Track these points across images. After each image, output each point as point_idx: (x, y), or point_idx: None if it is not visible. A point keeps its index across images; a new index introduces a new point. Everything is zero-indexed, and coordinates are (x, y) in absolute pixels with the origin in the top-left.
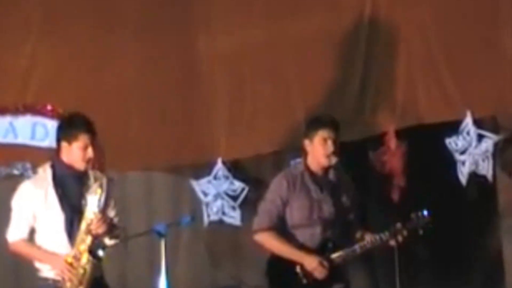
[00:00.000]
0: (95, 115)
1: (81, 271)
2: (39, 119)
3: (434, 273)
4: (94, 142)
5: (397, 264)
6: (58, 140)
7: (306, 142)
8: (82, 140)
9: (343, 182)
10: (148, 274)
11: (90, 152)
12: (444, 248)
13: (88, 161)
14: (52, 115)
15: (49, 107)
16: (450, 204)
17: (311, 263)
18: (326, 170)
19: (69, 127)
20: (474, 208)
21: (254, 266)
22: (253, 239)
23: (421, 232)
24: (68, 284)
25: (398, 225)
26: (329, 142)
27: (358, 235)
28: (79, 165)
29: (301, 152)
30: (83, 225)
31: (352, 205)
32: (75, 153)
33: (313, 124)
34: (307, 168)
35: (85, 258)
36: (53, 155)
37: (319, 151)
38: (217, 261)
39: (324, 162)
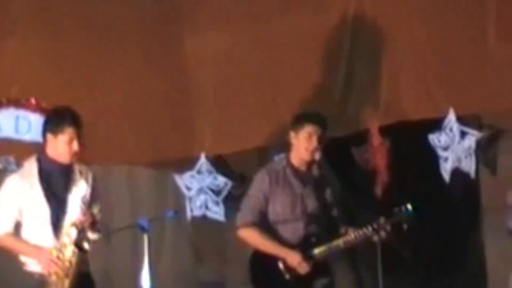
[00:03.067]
0: (79, 109)
1: (67, 264)
2: (22, 113)
3: (416, 268)
4: (80, 135)
5: (379, 259)
6: (44, 133)
7: (292, 135)
8: (67, 133)
9: (327, 177)
10: (131, 268)
11: (75, 145)
12: (426, 244)
13: (73, 155)
14: (35, 108)
15: (32, 101)
16: (433, 200)
17: (294, 259)
18: (309, 165)
19: (55, 120)
20: (457, 204)
21: (238, 261)
22: (237, 235)
23: (405, 226)
24: (54, 277)
25: (382, 219)
26: (314, 138)
27: (341, 230)
28: (64, 158)
29: (285, 148)
30: (68, 218)
31: (335, 200)
32: (61, 146)
33: (301, 118)
34: (289, 163)
35: (70, 251)
36: (39, 148)
37: (303, 145)
38: (200, 256)
39: (307, 157)
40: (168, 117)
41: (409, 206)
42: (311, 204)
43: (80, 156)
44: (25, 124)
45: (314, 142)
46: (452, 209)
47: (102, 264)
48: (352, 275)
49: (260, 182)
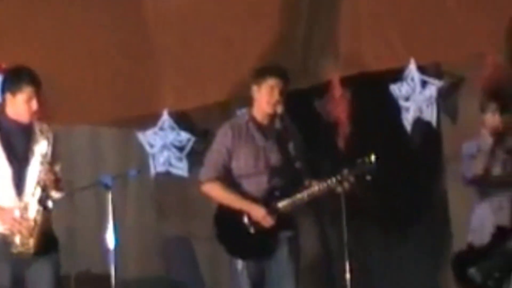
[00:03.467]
0: (41, 68)
1: (31, 223)
2: None
3: (380, 219)
4: (39, 94)
5: (344, 211)
6: (3, 93)
7: (254, 88)
8: (26, 92)
9: (289, 130)
10: (95, 226)
11: (34, 104)
12: (390, 194)
13: (33, 114)
14: None
15: None
16: (395, 151)
17: (258, 212)
18: (271, 118)
19: (13, 79)
20: (419, 154)
21: (202, 216)
22: (201, 190)
23: (368, 177)
24: (18, 237)
25: (345, 171)
26: (276, 91)
27: (305, 182)
28: (24, 117)
29: (248, 102)
30: (31, 178)
31: (298, 153)
32: (20, 106)
33: (263, 71)
34: (252, 117)
35: (34, 210)
36: None
37: (265, 99)
38: (165, 213)
39: (269, 110)
40: (129, 75)
41: (372, 157)
42: (274, 157)
43: (41, 116)
44: None
45: (276, 95)
46: (414, 158)
47: (66, 223)
48: (317, 227)
49: (223, 137)
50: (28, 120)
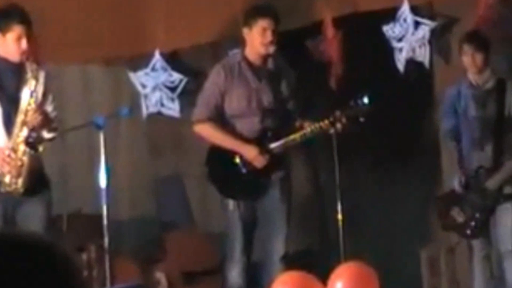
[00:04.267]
0: (32, 7)
1: (19, 163)
2: None
3: (372, 160)
4: (29, 33)
5: (336, 152)
6: None
7: (245, 31)
8: (16, 31)
9: (282, 71)
10: (88, 166)
11: (24, 43)
12: (382, 135)
13: (22, 53)
14: None
15: None
16: (388, 91)
17: (250, 153)
18: (264, 59)
19: (3, 18)
20: (412, 95)
21: (195, 156)
22: (193, 130)
23: (362, 119)
24: (7, 177)
25: (337, 112)
26: (268, 32)
27: (297, 123)
28: (14, 57)
29: (240, 42)
30: (19, 117)
31: (291, 94)
32: (10, 45)
33: (253, 12)
34: (244, 57)
35: (21, 150)
36: None
37: (257, 40)
38: (157, 152)
39: (262, 51)
40: (121, 14)
41: (365, 99)
42: (267, 98)
43: (33, 55)
44: None
45: (268, 36)
46: (407, 99)
47: (58, 163)
48: (309, 168)
49: (215, 77)
50: (18, 60)
